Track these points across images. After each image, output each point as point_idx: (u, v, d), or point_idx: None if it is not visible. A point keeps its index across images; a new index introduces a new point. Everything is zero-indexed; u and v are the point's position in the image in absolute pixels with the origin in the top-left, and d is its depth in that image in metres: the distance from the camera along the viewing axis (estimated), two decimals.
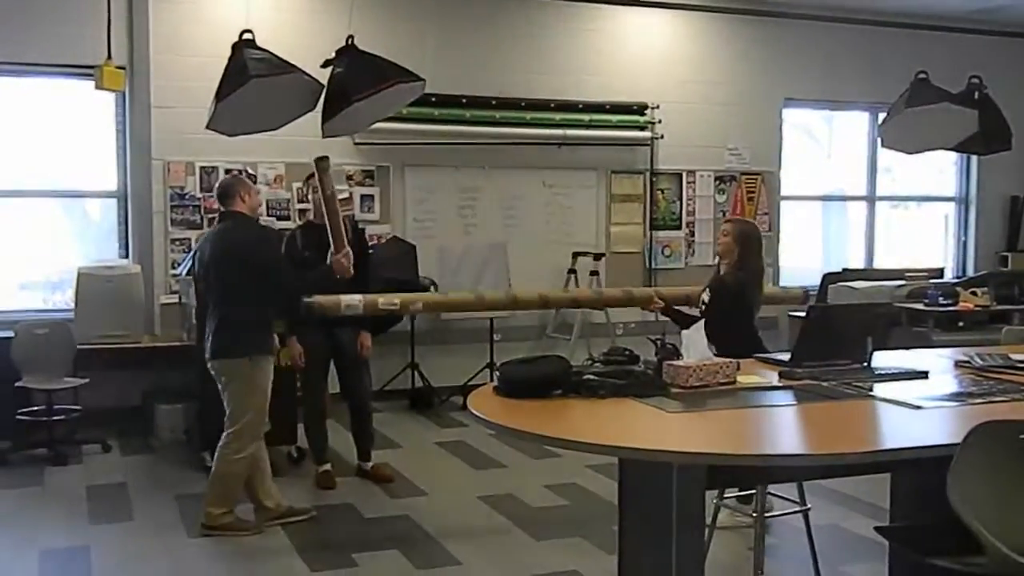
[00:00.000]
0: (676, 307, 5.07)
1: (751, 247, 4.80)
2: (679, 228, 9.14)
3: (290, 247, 5.65)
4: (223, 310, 4.90)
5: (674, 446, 2.81)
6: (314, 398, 5.90)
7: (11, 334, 6.49)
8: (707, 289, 4.88)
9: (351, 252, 5.01)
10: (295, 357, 5.71)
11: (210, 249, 5.00)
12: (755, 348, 4.29)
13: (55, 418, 6.49)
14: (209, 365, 4.93)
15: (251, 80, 4.77)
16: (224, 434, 4.91)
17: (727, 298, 4.72)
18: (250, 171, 7.72)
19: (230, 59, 4.92)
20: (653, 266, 8.97)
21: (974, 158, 10.01)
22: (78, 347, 6.60)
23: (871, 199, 10.07)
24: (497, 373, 3.57)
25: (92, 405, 6.82)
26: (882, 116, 6.18)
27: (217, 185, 5.38)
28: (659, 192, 9.04)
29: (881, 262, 9.91)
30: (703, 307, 4.82)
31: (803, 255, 9.73)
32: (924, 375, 3.72)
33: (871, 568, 4.33)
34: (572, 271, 8.50)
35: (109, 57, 6.71)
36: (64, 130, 7.49)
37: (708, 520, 4.03)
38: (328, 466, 5.86)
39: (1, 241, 7.40)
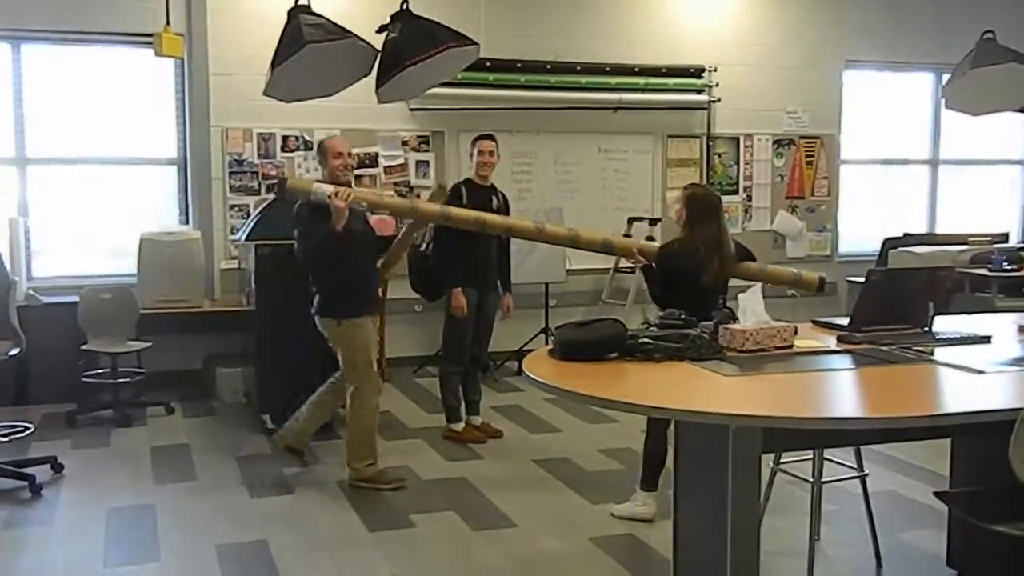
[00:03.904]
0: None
1: (705, 211, 4.41)
2: (736, 193, 9.04)
3: (456, 200, 5.77)
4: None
5: (730, 408, 2.80)
6: (458, 354, 6.01)
7: (77, 299, 6.66)
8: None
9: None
10: (458, 308, 5.84)
11: None
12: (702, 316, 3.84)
13: (120, 380, 6.66)
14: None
15: (307, 46, 4.79)
16: (347, 394, 5.12)
17: (664, 270, 4.46)
18: (307, 137, 7.79)
19: (286, 25, 4.95)
20: None
21: None
22: (141, 312, 6.75)
23: (934, 163, 9.86)
24: (552, 336, 3.57)
25: (155, 368, 6.99)
26: (946, 77, 6.03)
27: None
28: (716, 156, 8.95)
29: (944, 227, 9.72)
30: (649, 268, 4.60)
31: (864, 220, 9.57)
32: (987, 339, 3.65)
33: (929, 534, 4.29)
34: (627, 236, 8.44)
35: (168, 24, 6.81)
36: (125, 98, 7.61)
37: (765, 486, 4.04)
38: (475, 419, 6.15)
39: (66, 208, 7.57)
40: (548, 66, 8.19)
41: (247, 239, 6.32)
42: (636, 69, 8.42)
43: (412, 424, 6.48)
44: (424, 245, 6.14)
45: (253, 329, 6.36)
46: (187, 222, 7.68)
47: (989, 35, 5.50)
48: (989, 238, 8.80)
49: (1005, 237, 9.14)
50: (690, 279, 4.22)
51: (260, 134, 7.70)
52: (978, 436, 3.25)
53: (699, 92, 8.68)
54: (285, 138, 7.76)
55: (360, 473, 5.13)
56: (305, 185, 4.88)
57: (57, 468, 5.37)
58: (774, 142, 9.13)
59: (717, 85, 8.69)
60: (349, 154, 5.19)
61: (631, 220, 8.47)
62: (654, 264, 4.58)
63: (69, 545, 4.41)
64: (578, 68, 8.28)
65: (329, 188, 4.81)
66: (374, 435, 5.18)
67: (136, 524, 4.65)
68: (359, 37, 4.97)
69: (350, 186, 5.16)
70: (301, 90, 5.30)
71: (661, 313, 3.70)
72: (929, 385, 3.14)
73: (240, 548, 4.34)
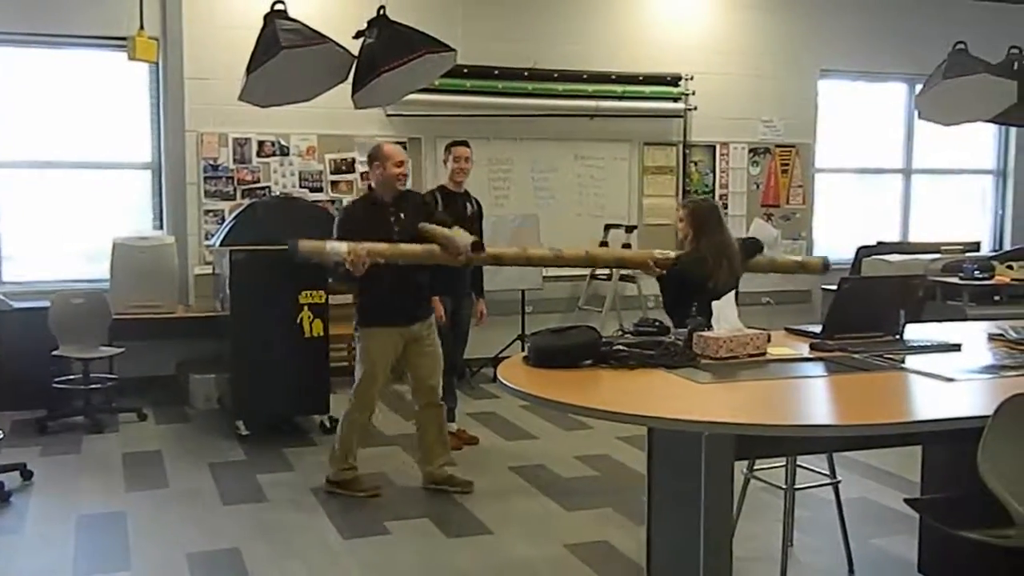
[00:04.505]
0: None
1: (709, 223, 4.61)
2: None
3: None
4: None
5: (703, 416, 2.81)
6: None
7: (48, 304, 6.59)
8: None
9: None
10: (437, 317, 5.68)
11: None
12: None
13: (92, 387, 6.60)
14: None
15: (282, 51, 4.79)
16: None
17: (673, 282, 4.59)
18: (283, 143, 7.77)
19: (262, 30, 4.95)
20: None
21: (1012, 130, 9.87)
22: (114, 317, 6.69)
23: (907, 172, 9.95)
24: (527, 343, 3.58)
25: (127, 374, 6.93)
26: (919, 88, 6.09)
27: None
28: (692, 164, 8.99)
29: (917, 235, 9.80)
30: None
31: (837, 228, 9.64)
32: (957, 347, 3.69)
33: (901, 540, 4.32)
34: (604, 243, 8.48)
35: (141, 28, 6.77)
36: (99, 102, 7.55)
37: (739, 492, 4.05)
38: (451, 426, 6.01)
39: (37, 212, 7.50)
40: (526, 73, 8.21)
41: (222, 244, 6.30)
42: (613, 77, 8.45)
43: (388, 431, 6.46)
44: None
45: (227, 335, 6.33)
46: (161, 227, 7.63)
47: (961, 46, 5.57)
48: (961, 247, 8.88)
49: (976, 246, 9.23)
50: (701, 289, 4.27)
51: (236, 139, 7.67)
52: (948, 443, 3.28)
53: (676, 100, 8.72)
54: (261, 143, 7.73)
55: (336, 475, 5.11)
56: (319, 246, 4.66)
57: (27, 475, 5.31)
58: (750, 150, 9.18)
59: (693, 93, 8.73)
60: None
61: (608, 227, 8.49)
62: (664, 276, 4.68)
63: (38, 553, 4.36)
64: (555, 75, 8.29)
65: (343, 247, 4.59)
66: (351, 443, 5.11)
67: (106, 532, 4.60)
68: (336, 42, 4.97)
69: (405, 194, 5.05)
70: (277, 95, 5.29)
71: (635, 321, 3.72)
72: (900, 393, 3.16)
73: (212, 556, 4.31)
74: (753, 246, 4.89)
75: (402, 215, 4.96)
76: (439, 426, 5.24)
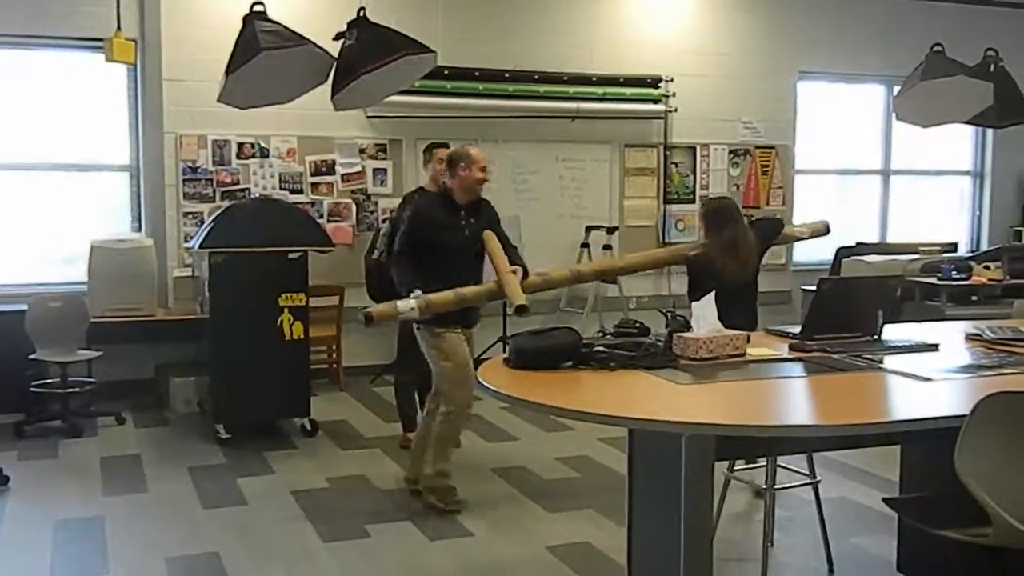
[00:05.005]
0: None
1: (716, 222, 4.85)
2: (693, 202, 9.10)
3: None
4: None
5: (683, 416, 2.82)
6: (414, 363, 5.93)
7: (25, 307, 6.53)
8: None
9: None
10: None
11: None
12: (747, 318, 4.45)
13: (69, 390, 6.54)
14: None
15: (261, 53, 4.78)
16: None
17: (689, 275, 4.85)
18: (262, 144, 7.73)
19: (241, 32, 4.93)
20: (667, 240, 8.95)
21: (989, 132, 9.94)
22: (91, 320, 6.63)
23: (886, 173, 10.01)
24: (508, 345, 3.58)
25: (106, 378, 6.88)
26: (897, 89, 6.13)
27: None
28: (673, 166, 9.01)
29: (895, 236, 9.86)
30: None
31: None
32: (934, 347, 3.71)
33: (880, 540, 4.34)
34: (585, 245, 8.50)
35: (119, 29, 6.73)
36: (76, 104, 7.49)
37: (719, 493, 4.07)
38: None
39: (14, 215, 7.44)
40: (506, 75, 8.21)
41: (201, 247, 6.26)
42: (594, 78, 8.46)
43: (368, 433, 6.44)
44: (378, 253, 6.11)
45: (207, 338, 6.30)
46: (140, 229, 7.57)
47: (938, 48, 5.61)
48: (939, 247, 8.95)
49: (954, 247, 9.30)
50: (714, 284, 4.44)
51: (215, 141, 7.63)
52: (926, 442, 3.30)
53: (656, 102, 8.73)
54: (240, 145, 7.69)
55: (435, 481, 4.92)
56: (389, 310, 4.50)
57: (3, 480, 5.26)
58: (730, 152, 9.22)
59: (674, 95, 8.76)
60: None
61: (589, 228, 8.51)
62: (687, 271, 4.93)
63: (15, 559, 4.32)
64: (536, 77, 8.30)
65: (412, 303, 4.46)
66: (448, 445, 4.95)
67: (84, 537, 4.57)
68: (315, 44, 4.96)
69: (479, 200, 4.99)
70: (256, 97, 5.28)
71: (616, 323, 3.74)
72: (878, 393, 3.18)
73: (191, 560, 4.28)
74: (771, 228, 5.26)
75: (472, 220, 4.93)
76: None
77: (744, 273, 4.77)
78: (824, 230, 5.45)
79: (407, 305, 4.43)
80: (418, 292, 4.50)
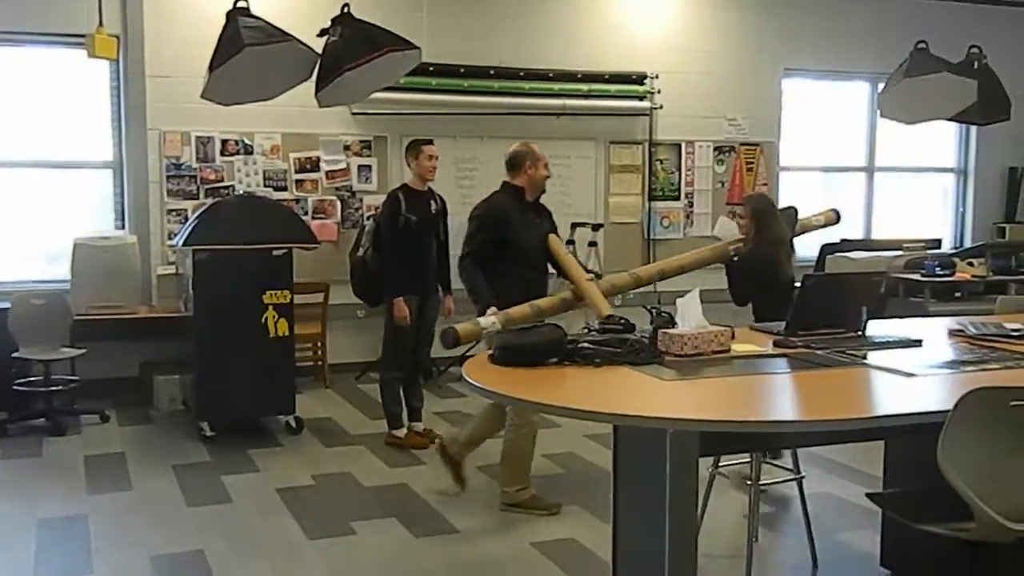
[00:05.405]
0: None
1: (764, 218, 5.05)
2: (678, 199, 9.12)
3: (395, 207, 5.82)
4: None
5: (668, 413, 2.82)
6: (399, 360, 5.96)
7: (7, 305, 6.49)
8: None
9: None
10: (401, 319, 5.79)
11: None
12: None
13: (53, 388, 6.51)
14: None
15: (245, 49, 4.75)
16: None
17: (738, 273, 5.01)
18: (247, 141, 7.70)
19: (224, 28, 4.90)
20: (652, 237, 8.97)
21: (973, 129, 9.98)
22: (75, 318, 6.60)
23: (870, 170, 10.05)
24: (494, 342, 3.57)
25: (90, 376, 6.84)
26: (882, 86, 6.15)
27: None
28: (658, 162, 9.02)
29: (879, 233, 9.90)
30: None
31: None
32: (918, 343, 3.72)
33: (865, 535, 4.36)
34: (570, 242, 8.47)
35: (101, 25, 6.69)
36: (59, 100, 7.44)
37: (704, 489, 4.08)
38: (417, 425, 6.08)
39: None
40: (492, 71, 8.20)
41: (185, 244, 6.23)
42: (579, 75, 8.46)
43: (354, 430, 6.43)
44: (363, 251, 6.10)
45: (191, 335, 6.28)
46: (123, 227, 7.54)
47: (922, 45, 5.62)
48: (923, 244, 8.98)
49: (938, 243, 9.34)
50: (771, 279, 4.49)
51: (199, 137, 7.59)
52: (909, 438, 3.31)
53: (641, 99, 8.74)
54: (224, 142, 7.66)
55: (512, 498, 4.83)
56: (473, 328, 4.35)
57: None
58: (715, 149, 9.23)
59: (659, 92, 8.76)
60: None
61: (574, 225, 8.49)
62: (730, 270, 5.10)
63: None
64: (521, 74, 8.29)
65: (494, 319, 4.37)
66: (529, 458, 4.86)
67: (68, 536, 4.54)
68: (299, 40, 4.94)
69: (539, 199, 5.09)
70: (240, 93, 5.25)
71: (601, 319, 3.74)
72: (862, 388, 3.19)
73: (176, 558, 4.27)
74: (791, 219, 5.44)
75: (538, 219, 5.03)
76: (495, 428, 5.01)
77: (792, 266, 4.99)
78: (836, 218, 5.66)
79: (489, 321, 4.35)
80: (493, 308, 4.49)
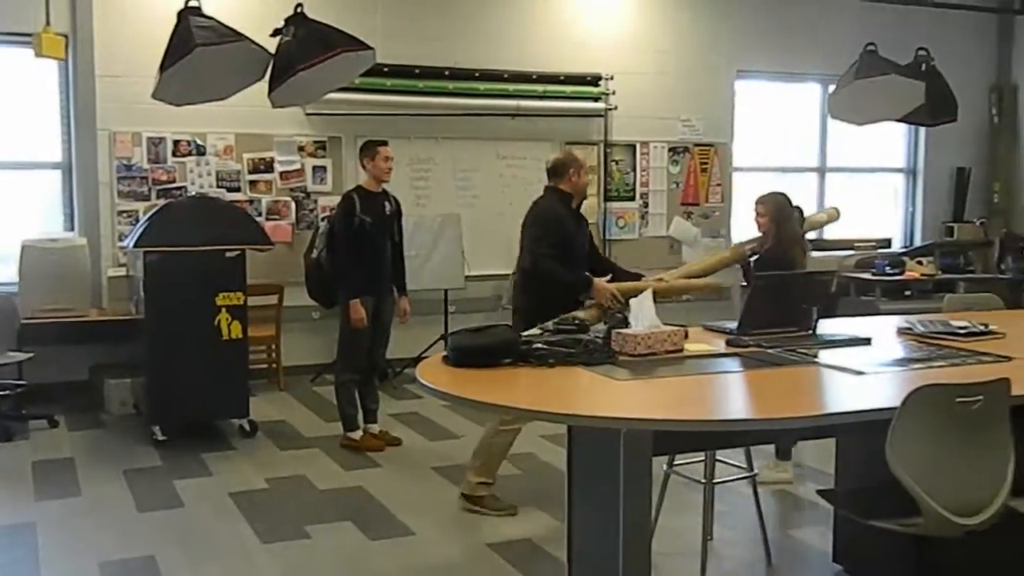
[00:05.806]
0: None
1: (781, 216, 5.16)
2: (633, 199, 9.17)
3: (349, 209, 5.79)
4: None
5: (621, 413, 2.83)
6: (354, 362, 5.91)
7: None
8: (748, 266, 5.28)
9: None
10: (358, 321, 5.74)
11: None
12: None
13: None
14: None
15: (197, 49, 4.71)
16: None
17: (762, 270, 4.99)
18: (199, 142, 7.62)
19: (176, 27, 4.86)
20: (607, 237, 9.00)
21: (921, 130, 10.14)
22: (22, 321, 6.47)
23: (822, 170, 10.17)
24: (447, 343, 3.56)
25: (38, 380, 6.72)
26: (832, 88, 6.24)
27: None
28: (613, 163, 9.06)
29: (831, 232, 10.01)
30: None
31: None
32: (867, 342, 3.77)
33: (818, 531, 4.41)
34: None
35: (48, 24, 6.58)
36: (6, 100, 7.31)
37: (659, 488, 4.09)
38: (372, 427, 6.06)
39: None
40: (446, 72, 8.18)
41: (136, 246, 6.14)
42: (534, 76, 8.47)
43: (308, 433, 6.38)
44: (317, 252, 6.06)
45: (142, 338, 6.19)
46: (72, 228, 7.41)
47: (872, 47, 5.71)
48: (873, 243, 9.13)
49: (888, 242, 9.49)
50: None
51: (150, 138, 7.49)
52: (859, 435, 3.36)
53: (596, 100, 8.78)
54: (176, 142, 7.56)
55: (472, 489, 4.83)
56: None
57: None
58: (669, 149, 9.29)
59: (614, 93, 8.80)
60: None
61: None
62: (750, 268, 5.20)
63: None
64: (476, 75, 8.28)
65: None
66: (502, 454, 4.87)
67: (15, 544, 4.46)
68: (252, 40, 4.90)
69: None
70: (192, 93, 5.21)
71: (555, 319, 3.74)
72: (813, 386, 3.22)
73: (127, 564, 4.20)
74: (800, 215, 5.52)
75: (583, 224, 5.14)
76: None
77: (808, 263, 5.11)
78: (837, 215, 5.87)
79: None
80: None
